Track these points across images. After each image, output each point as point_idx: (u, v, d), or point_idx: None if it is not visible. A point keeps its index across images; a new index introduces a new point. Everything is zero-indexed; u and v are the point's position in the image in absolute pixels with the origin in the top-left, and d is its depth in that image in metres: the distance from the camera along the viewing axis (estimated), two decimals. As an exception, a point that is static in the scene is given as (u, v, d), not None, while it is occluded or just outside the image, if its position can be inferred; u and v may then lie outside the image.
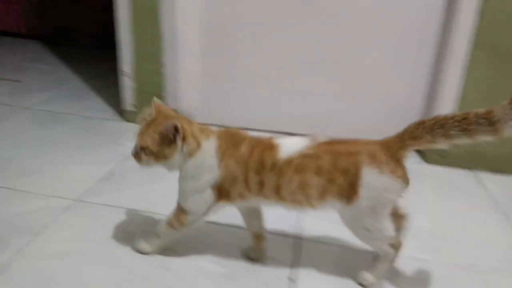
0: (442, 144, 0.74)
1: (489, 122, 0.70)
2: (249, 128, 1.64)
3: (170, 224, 0.87)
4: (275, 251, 0.96)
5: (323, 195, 0.79)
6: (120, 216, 1.06)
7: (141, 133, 0.82)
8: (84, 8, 2.74)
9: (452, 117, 0.72)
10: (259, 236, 0.92)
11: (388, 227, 0.80)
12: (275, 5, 1.49)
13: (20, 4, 2.78)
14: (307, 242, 1.01)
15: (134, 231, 0.99)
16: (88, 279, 0.85)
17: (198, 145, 0.81)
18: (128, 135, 1.55)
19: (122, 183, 1.22)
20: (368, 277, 0.86)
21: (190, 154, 0.81)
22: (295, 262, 0.94)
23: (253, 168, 0.80)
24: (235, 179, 0.81)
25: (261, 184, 0.80)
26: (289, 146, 0.80)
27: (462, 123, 0.71)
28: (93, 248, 0.93)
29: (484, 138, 0.71)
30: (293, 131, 1.58)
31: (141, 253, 0.92)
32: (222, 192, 0.83)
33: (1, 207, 1.05)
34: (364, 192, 0.76)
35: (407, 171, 0.78)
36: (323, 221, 1.06)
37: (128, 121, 1.66)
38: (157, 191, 1.19)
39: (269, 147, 0.81)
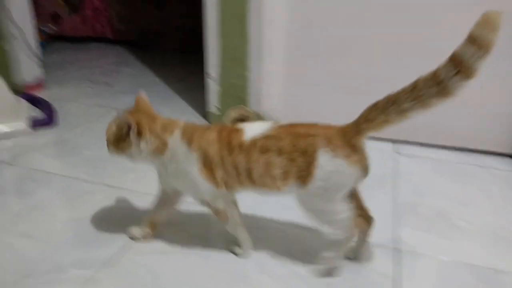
0: (397, 121, 0.75)
1: (437, 82, 0.70)
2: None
3: (222, 223, 0.91)
4: (375, 263, 0.92)
5: (285, 176, 0.81)
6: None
7: (108, 127, 0.87)
8: (168, 14, 2.87)
9: (403, 90, 0.73)
10: (155, 223, 0.96)
11: (341, 210, 0.82)
12: (364, 5, 1.44)
13: (108, 11, 2.98)
14: (406, 254, 0.96)
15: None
16: (189, 276, 0.87)
17: (164, 143, 0.85)
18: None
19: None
20: (328, 255, 0.86)
21: (159, 151, 0.85)
22: (397, 274, 0.89)
23: (224, 149, 0.83)
24: (211, 159, 0.84)
25: (236, 168, 0.83)
26: (252, 129, 0.84)
27: (413, 93, 0.72)
28: (192, 246, 0.96)
29: (437, 102, 0.71)
30: (382, 136, 1.52)
31: (236, 255, 0.94)
32: (210, 176, 0.85)
33: (105, 203, 1.12)
34: (318, 173, 0.78)
35: (365, 157, 0.79)
36: (419, 232, 1.01)
37: (211, 122, 1.70)
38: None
39: (234, 130, 0.85)
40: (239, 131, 0.84)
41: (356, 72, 1.54)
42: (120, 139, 0.85)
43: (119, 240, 0.97)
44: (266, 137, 0.82)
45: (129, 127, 0.83)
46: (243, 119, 1.58)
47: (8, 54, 1.88)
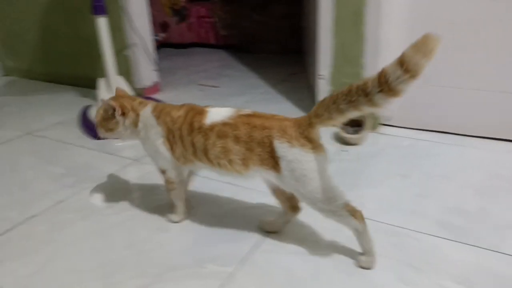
0: (339, 119, 0.77)
1: (365, 93, 0.71)
2: (458, 134, 1.51)
3: (167, 189, 1.04)
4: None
5: (245, 162, 0.87)
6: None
7: (96, 112, 1.02)
8: (267, 17, 2.91)
9: (341, 92, 0.75)
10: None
11: (330, 185, 0.84)
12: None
13: (211, 18, 3.12)
14: None
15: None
16: (321, 282, 0.85)
17: (137, 115, 0.99)
18: (324, 137, 1.54)
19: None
20: (362, 260, 0.88)
21: (135, 124, 0.99)
22: None
23: (185, 129, 0.92)
24: (173, 134, 0.94)
25: (193, 146, 0.92)
26: (214, 114, 0.91)
27: (348, 96, 0.74)
28: (319, 251, 0.94)
29: (367, 110, 0.73)
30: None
31: (173, 222, 1.05)
32: (171, 148, 0.96)
33: (233, 201, 1.15)
34: (283, 164, 0.84)
35: (319, 144, 0.83)
36: None
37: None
38: (373, 196, 1.15)
39: (200, 112, 0.93)
40: (203, 114, 0.92)
41: (485, 72, 1.39)
42: (108, 121, 0.99)
43: (251, 237, 0.99)
44: (224, 124, 0.88)
45: (114, 109, 0.97)
46: (358, 119, 1.52)
47: (130, 61, 2.06)
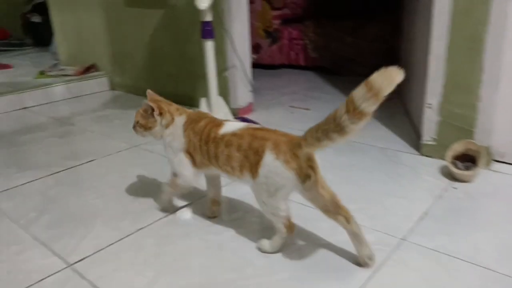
0: (324, 145, 0.83)
1: (335, 123, 0.78)
2: None
3: (170, 185, 1.18)
4: None
5: (241, 168, 0.98)
6: (455, 267, 0.95)
7: (137, 112, 1.14)
8: (361, 39, 2.86)
9: (327, 119, 0.81)
10: (216, 201, 1.20)
11: (281, 207, 0.96)
12: None
13: (303, 40, 3.14)
14: None
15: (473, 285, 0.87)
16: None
17: (172, 119, 1.11)
18: (429, 170, 1.45)
19: (446, 226, 1.12)
20: (265, 244, 1.03)
21: (167, 126, 1.12)
22: None
23: (203, 139, 1.05)
24: (194, 146, 1.07)
25: (208, 153, 1.04)
26: (228, 127, 1.03)
27: (324, 125, 0.81)
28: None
29: (340, 139, 0.79)
30: None
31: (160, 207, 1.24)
32: (191, 158, 1.09)
33: (330, 233, 1.11)
34: (262, 170, 0.93)
35: (304, 167, 0.90)
36: None
37: (427, 155, 1.57)
38: (490, 241, 1.04)
39: (217, 125, 1.05)
40: (219, 126, 1.04)
41: None
42: (147, 119, 1.11)
43: (355, 277, 0.94)
44: (233, 134, 1.00)
45: (153, 109, 1.10)
46: (469, 154, 1.40)
47: (229, 81, 2.13)
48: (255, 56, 3.28)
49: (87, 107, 2.46)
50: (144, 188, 1.40)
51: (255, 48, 3.27)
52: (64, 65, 3.13)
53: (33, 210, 1.27)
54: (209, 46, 1.72)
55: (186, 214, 1.23)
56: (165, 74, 2.46)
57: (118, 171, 1.54)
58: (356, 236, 0.96)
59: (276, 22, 3.17)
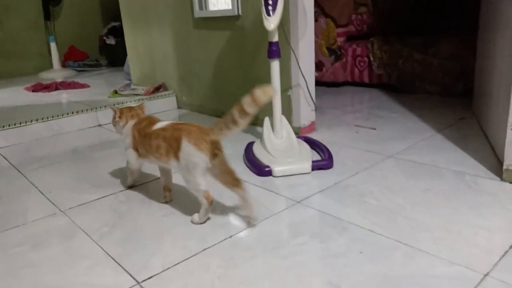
0: (225, 133, 1.18)
1: (232, 118, 1.13)
2: None
3: (127, 170, 1.56)
4: None
5: (167, 154, 1.28)
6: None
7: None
8: (432, 56, 2.73)
9: (225, 116, 1.16)
10: (168, 188, 1.48)
11: (200, 183, 1.24)
12: None
13: (368, 57, 3.06)
14: None
15: None
16: None
17: (126, 121, 1.48)
18: (514, 199, 1.32)
19: (537, 264, 1.00)
20: (194, 217, 1.31)
21: (124, 127, 1.48)
22: None
23: (142, 135, 1.38)
24: (138, 141, 1.40)
25: (145, 145, 1.37)
26: (159, 124, 1.36)
27: (225, 119, 1.15)
28: None
29: (235, 129, 1.15)
30: None
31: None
32: (137, 151, 1.42)
33: (403, 264, 1.04)
34: (181, 153, 1.24)
35: (211, 149, 1.20)
36: None
37: (510, 181, 1.43)
38: None
39: (152, 123, 1.38)
40: (153, 124, 1.37)
41: None
42: (114, 120, 1.50)
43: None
44: (161, 129, 1.32)
45: (115, 112, 1.49)
46: None
47: (291, 100, 2.12)
48: (317, 74, 3.25)
49: (155, 125, 2.58)
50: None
51: (318, 65, 3.24)
52: (135, 84, 3.32)
53: (105, 225, 1.33)
54: (275, 65, 1.72)
55: (262, 237, 1.23)
56: (230, 94, 2.51)
57: (184, 190, 1.57)
58: (246, 201, 1.27)
59: (341, 39, 3.13)
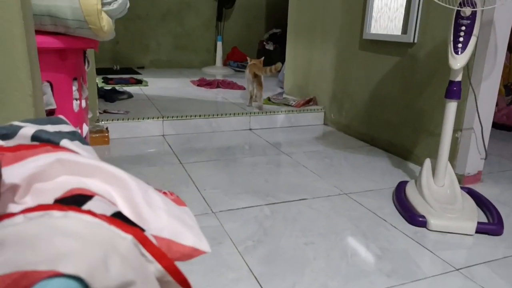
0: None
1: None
2: None
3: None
4: None
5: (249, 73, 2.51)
6: None
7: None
8: None
9: None
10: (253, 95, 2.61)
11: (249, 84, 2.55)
12: None
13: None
14: None
15: None
16: None
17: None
18: None
19: None
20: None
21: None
22: None
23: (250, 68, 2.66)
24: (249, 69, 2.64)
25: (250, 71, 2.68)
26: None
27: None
28: None
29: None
30: None
31: None
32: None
33: None
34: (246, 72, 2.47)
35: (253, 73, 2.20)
36: None
37: None
38: None
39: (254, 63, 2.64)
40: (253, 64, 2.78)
41: None
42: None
43: None
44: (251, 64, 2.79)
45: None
46: None
47: (459, 144, 1.90)
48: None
49: (302, 139, 2.60)
50: (350, 246, 1.35)
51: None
52: (287, 94, 3.40)
53: (251, 238, 1.37)
54: (452, 107, 1.55)
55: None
56: (383, 121, 2.38)
57: (327, 218, 1.53)
58: (259, 98, 2.64)
59: (525, 79, 2.71)
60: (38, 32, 1.04)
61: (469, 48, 1.45)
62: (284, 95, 3.33)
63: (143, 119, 2.48)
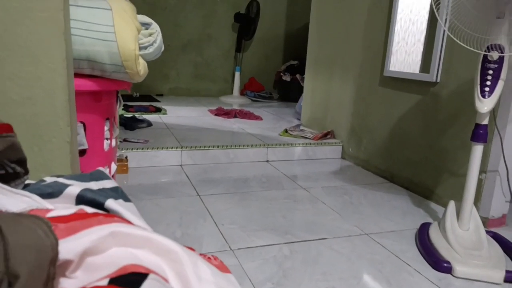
0: None
1: None
2: None
3: None
4: None
5: None
6: None
7: None
8: None
9: None
10: None
11: None
12: None
13: None
14: None
15: None
16: None
17: None
18: None
19: None
20: None
21: None
22: None
23: None
24: None
25: None
26: None
27: None
28: None
29: None
30: None
31: None
32: None
33: None
34: None
35: None
36: None
37: None
38: None
39: None
40: None
41: None
42: None
43: None
44: None
45: None
46: None
47: (483, 186, 1.85)
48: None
49: (319, 173, 2.57)
50: (376, 292, 1.30)
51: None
52: (304, 126, 3.40)
53: (270, 280, 1.33)
54: (478, 150, 1.52)
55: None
56: (404, 158, 2.35)
57: (348, 260, 1.49)
58: None
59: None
60: (75, 75, 1.06)
61: (497, 92, 1.43)
62: (301, 127, 3.33)
63: (162, 148, 2.49)
